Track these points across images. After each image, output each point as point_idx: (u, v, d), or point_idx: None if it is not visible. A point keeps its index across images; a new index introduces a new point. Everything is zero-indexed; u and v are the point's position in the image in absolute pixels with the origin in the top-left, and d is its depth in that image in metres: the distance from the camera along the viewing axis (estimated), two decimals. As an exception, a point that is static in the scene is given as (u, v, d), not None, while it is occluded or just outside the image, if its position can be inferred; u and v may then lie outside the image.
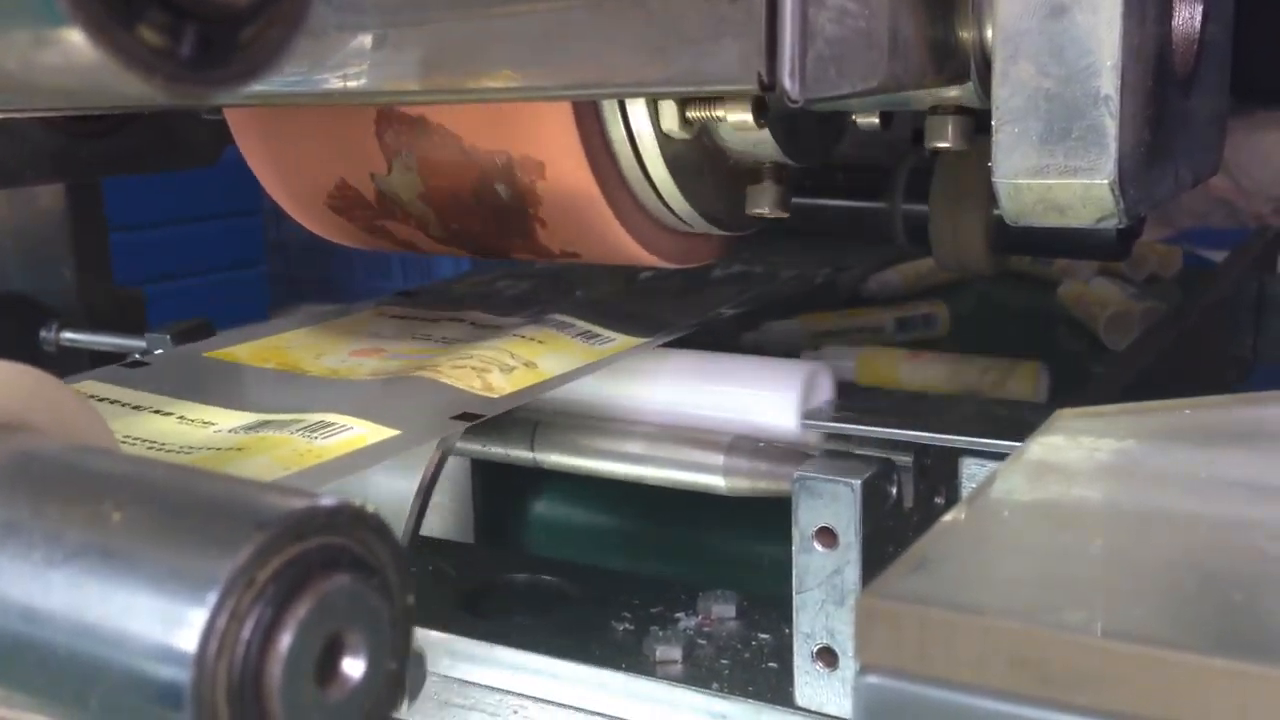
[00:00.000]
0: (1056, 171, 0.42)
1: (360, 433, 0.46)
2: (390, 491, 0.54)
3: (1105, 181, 0.42)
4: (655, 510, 0.65)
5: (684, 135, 0.53)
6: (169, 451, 0.45)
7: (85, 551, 0.25)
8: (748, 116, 0.49)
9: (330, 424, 0.47)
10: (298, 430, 0.46)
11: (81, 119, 0.76)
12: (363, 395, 0.51)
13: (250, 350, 0.59)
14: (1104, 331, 0.83)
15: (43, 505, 0.26)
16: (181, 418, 0.48)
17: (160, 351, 0.64)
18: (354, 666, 0.25)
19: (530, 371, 0.55)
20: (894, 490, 0.48)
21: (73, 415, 0.31)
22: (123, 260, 0.96)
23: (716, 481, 0.55)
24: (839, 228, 0.72)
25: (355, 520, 0.25)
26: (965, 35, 0.45)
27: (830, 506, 0.45)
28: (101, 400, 0.50)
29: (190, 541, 0.24)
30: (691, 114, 0.51)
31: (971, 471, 0.50)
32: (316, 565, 0.24)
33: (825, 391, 0.56)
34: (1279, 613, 0.28)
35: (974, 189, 0.63)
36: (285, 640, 0.24)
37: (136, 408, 0.50)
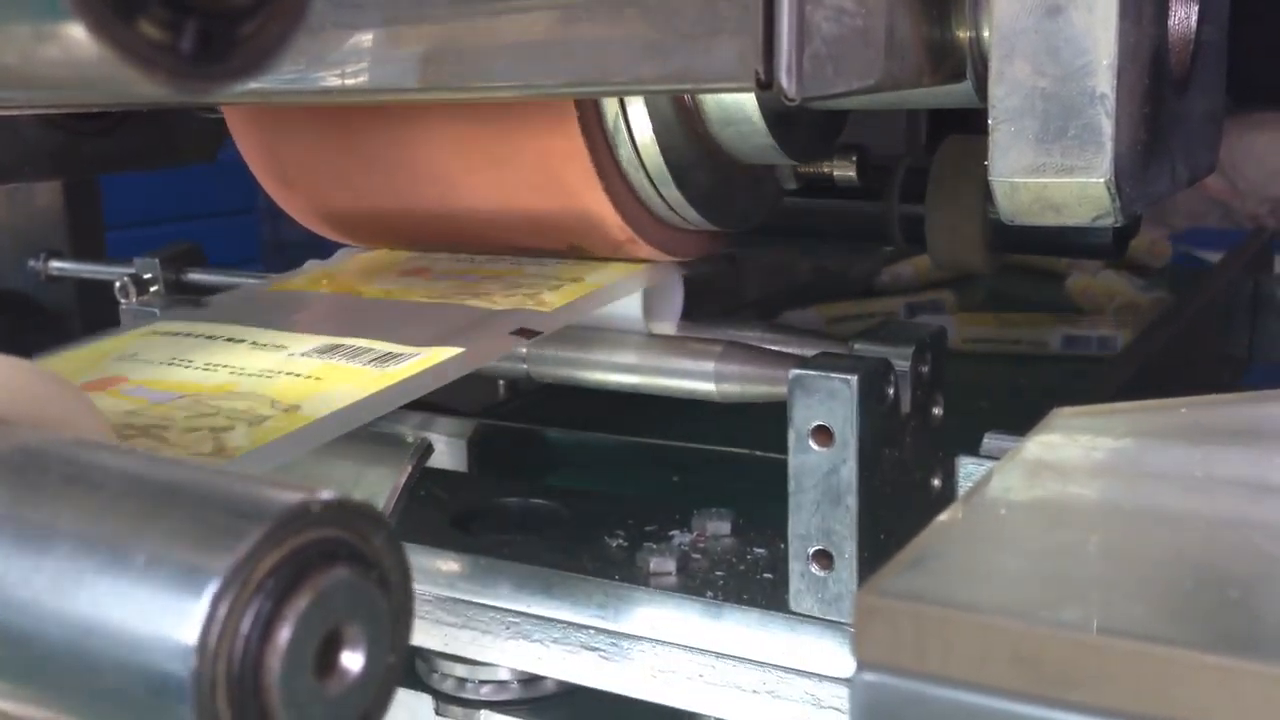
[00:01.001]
0: (1053, 170, 0.42)
1: (426, 356, 0.48)
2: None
3: (1101, 180, 0.42)
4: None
5: (794, 186, 0.59)
6: (249, 376, 0.47)
7: (84, 545, 0.25)
8: (853, 173, 0.58)
9: (397, 354, 0.49)
10: (369, 360, 0.48)
11: (80, 116, 0.76)
12: (422, 320, 0.53)
13: (305, 280, 0.62)
14: None
15: (40, 498, 0.26)
16: (254, 343, 0.51)
17: (220, 296, 0.66)
18: (353, 660, 0.25)
19: (579, 285, 0.56)
20: (891, 391, 0.47)
21: (66, 407, 0.31)
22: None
23: (708, 387, 0.55)
24: (834, 227, 0.72)
25: (354, 514, 0.25)
26: (962, 34, 0.45)
27: (826, 404, 0.44)
28: (175, 335, 0.53)
29: (189, 535, 0.24)
30: (802, 170, 0.58)
31: (969, 470, 0.50)
32: (315, 559, 0.24)
33: (675, 296, 0.59)
34: (1275, 610, 0.28)
35: (970, 188, 0.63)
36: (284, 633, 0.24)
37: (210, 338, 0.52)
